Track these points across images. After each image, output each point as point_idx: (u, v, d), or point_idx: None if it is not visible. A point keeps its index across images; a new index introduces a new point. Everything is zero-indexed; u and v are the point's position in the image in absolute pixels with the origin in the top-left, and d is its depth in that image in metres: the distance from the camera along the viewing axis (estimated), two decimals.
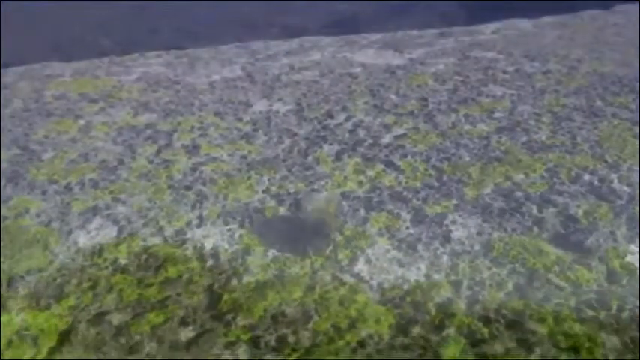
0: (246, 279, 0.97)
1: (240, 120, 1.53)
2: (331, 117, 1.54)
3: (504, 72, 1.81)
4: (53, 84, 1.78)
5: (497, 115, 1.53)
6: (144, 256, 1.02)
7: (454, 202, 1.17)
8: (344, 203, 1.18)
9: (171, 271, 0.98)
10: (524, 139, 1.41)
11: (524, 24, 2.38)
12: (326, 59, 1.96)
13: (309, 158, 1.34)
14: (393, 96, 1.65)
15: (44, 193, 1.23)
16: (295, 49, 2.06)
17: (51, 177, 1.29)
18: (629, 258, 1.01)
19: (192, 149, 1.39)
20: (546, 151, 1.35)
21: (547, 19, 2.44)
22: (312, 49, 2.06)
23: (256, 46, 2.10)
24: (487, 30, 2.28)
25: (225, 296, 0.93)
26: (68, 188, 1.25)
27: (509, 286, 0.95)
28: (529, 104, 1.59)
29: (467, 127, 1.47)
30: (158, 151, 1.38)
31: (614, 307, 0.91)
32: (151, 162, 1.34)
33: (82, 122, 1.53)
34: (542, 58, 1.93)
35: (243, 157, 1.35)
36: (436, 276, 0.97)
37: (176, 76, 1.81)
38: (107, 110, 1.59)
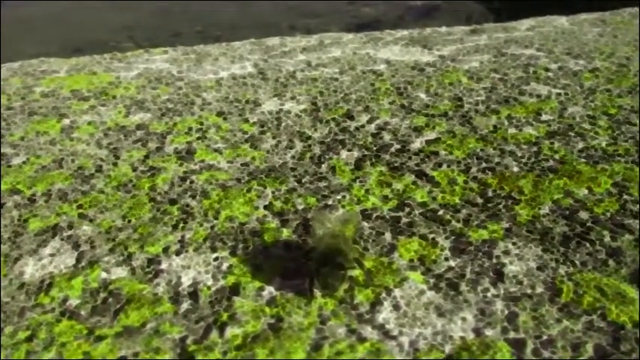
0: (230, 332, 0.67)
1: (246, 121, 1.24)
2: (351, 118, 1.24)
3: (547, 70, 1.49)
4: (46, 80, 1.50)
5: (545, 117, 1.22)
6: (102, 295, 0.73)
7: (504, 224, 0.86)
8: (365, 224, 0.88)
9: (133, 318, 0.69)
10: (580, 145, 1.10)
11: (560, 21, 2.05)
12: (347, 56, 1.66)
13: (324, 166, 1.05)
14: (422, 95, 1.35)
15: (1, 205, 0.95)
16: (314, 46, 1.77)
17: (14, 186, 1.01)
18: None
19: (186, 154, 1.10)
20: (609, 160, 1.04)
21: (584, 16, 2.12)
22: (332, 46, 1.76)
23: (272, 42, 1.81)
24: (521, 26, 1.96)
25: (199, 358, 0.63)
26: (31, 200, 0.96)
27: (589, 349, 0.65)
28: (580, 105, 1.27)
29: (511, 130, 1.16)
30: (146, 156, 1.09)
31: None
32: (134, 169, 1.05)
33: (66, 122, 1.25)
34: (587, 56, 1.61)
35: (245, 164, 1.06)
36: (489, 332, 0.67)
37: (180, 73, 1.53)
38: (97, 109, 1.31)
